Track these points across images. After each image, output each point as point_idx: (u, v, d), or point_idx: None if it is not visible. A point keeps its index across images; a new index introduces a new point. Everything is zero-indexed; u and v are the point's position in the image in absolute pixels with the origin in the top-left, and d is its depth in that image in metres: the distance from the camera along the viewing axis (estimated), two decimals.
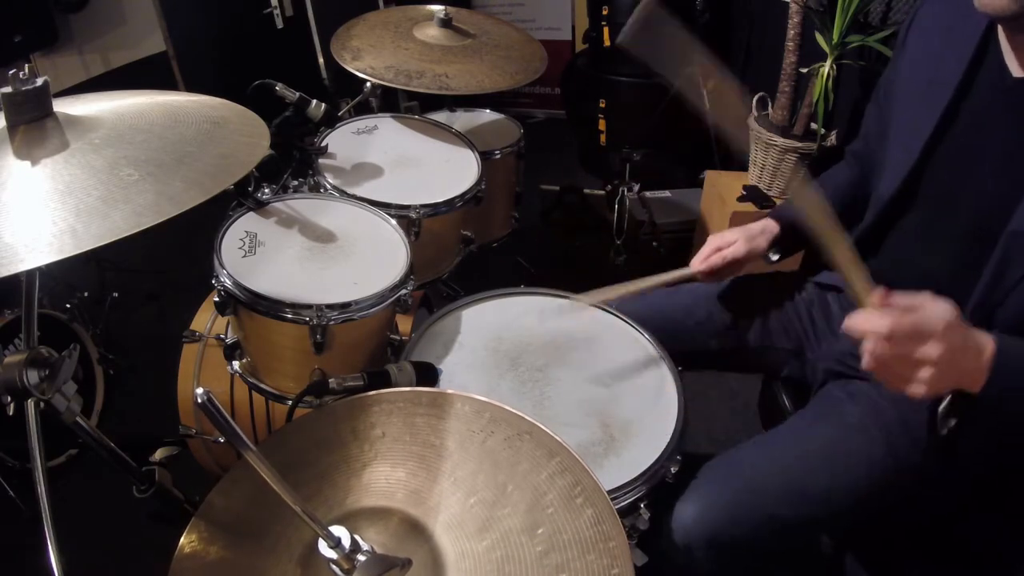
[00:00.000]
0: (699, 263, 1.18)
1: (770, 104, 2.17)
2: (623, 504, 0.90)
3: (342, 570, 0.63)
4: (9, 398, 0.75)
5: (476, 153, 1.58)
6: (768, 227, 1.19)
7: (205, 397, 0.54)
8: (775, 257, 1.21)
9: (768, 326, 1.23)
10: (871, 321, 0.75)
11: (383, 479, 0.78)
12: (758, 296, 1.25)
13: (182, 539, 0.73)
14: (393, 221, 1.28)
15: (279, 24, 2.95)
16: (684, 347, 1.19)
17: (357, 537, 0.64)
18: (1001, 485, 1.13)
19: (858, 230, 1.11)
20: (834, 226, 0.80)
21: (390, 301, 1.13)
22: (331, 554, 0.62)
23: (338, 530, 0.63)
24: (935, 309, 0.75)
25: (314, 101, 1.42)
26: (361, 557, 0.63)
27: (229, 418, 0.56)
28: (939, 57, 0.97)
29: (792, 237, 1.20)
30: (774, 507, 0.97)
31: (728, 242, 1.17)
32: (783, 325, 1.23)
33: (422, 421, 0.84)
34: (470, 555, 0.69)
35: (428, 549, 0.70)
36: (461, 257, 1.60)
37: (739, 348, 1.23)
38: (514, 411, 0.83)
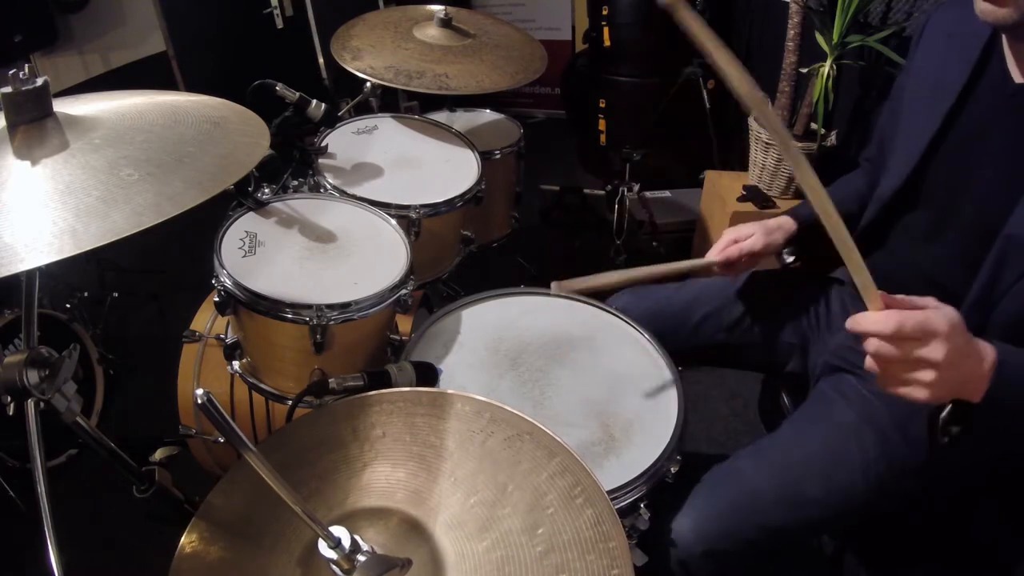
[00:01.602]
0: (715, 254, 1.18)
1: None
2: (623, 504, 0.90)
3: (342, 570, 0.63)
4: (9, 398, 0.75)
5: (476, 153, 1.58)
6: (784, 223, 1.19)
7: (205, 398, 0.55)
8: (789, 259, 1.21)
9: (777, 320, 1.23)
10: (875, 320, 0.72)
11: (383, 479, 0.78)
12: (767, 290, 1.26)
13: (182, 539, 0.73)
14: (393, 221, 1.28)
15: (279, 24, 2.95)
16: (688, 342, 1.19)
17: (357, 537, 0.64)
18: (1001, 484, 1.13)
19: (860, 227, 1.12)
20: (840, 222, 0.76)
21: (390, 301, 1.13)
22: (331, 554, 0.62)
23: (338, 530, 0.63)
24: (940, 311, 0.73)
25: (314, 101, 1.42)
26: (361, 557, 0.63)
27: (229, 418, 0.56)
28: (944, 62, 0.98)
29: (807, 237, 1.20)
30: (770, 516, 0.97)
31: (745, 235, 1.17)
32: (791, 320, 1.23)
33: (422, 421, 0.84)
34: (470, 555, 0.69)
35: (428, 549, 0.70)
36: (461, 257, 1.60)
37: (747, 342, 1.24)
38: (514, 411, 0.83)
